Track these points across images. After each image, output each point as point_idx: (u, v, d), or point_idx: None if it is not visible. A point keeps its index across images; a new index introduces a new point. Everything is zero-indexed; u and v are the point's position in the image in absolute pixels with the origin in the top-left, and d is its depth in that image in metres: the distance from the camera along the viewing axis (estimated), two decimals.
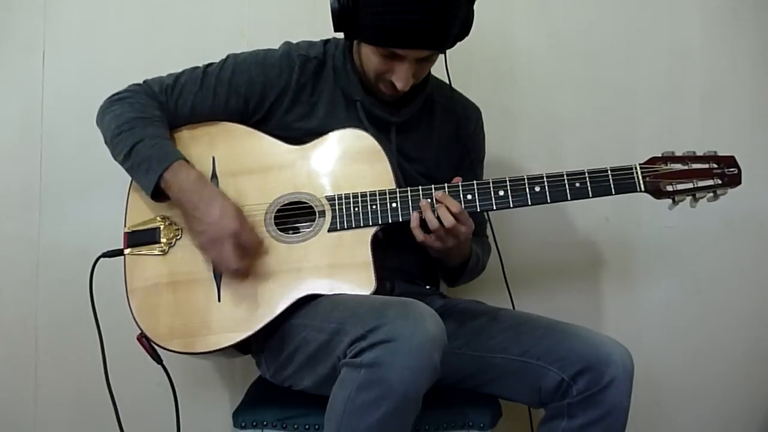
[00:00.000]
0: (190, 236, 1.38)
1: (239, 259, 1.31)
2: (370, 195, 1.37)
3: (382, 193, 1.37)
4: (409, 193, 1.37)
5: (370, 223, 1.36)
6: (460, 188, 1.36)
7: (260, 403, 1.44)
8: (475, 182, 1.36)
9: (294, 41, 1.50)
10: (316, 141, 1.42)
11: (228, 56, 1.47)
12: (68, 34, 1.84)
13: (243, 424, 1.39)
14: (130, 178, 1.41)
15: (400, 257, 1.46)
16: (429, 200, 1.35)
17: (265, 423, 1.38)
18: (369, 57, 1.37)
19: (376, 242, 1.36)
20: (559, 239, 1.89)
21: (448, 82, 1.52)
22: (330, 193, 1.39)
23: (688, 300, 1.93)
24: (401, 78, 1.35)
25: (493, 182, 1.36)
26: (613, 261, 1.92)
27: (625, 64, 1.90)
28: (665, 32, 1.91)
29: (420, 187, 1.37)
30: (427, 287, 1.56)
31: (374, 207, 1.37)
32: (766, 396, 1.94)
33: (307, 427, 1.36)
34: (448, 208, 1.33)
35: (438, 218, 1.32)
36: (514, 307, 1.61)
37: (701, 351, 1.92)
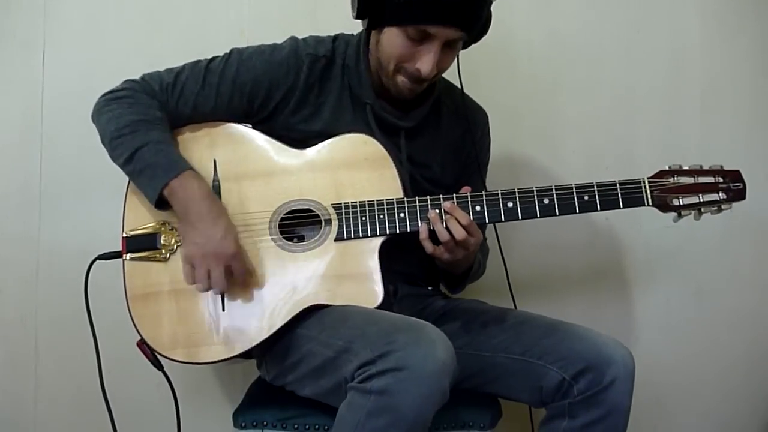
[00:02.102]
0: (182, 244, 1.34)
1: (224, 283, 1.29)
2: (378, 204, 1.35)
3: (390, 202, 1.35)
4: (417, 203, 1.35)
5: (378, 233, 1.34)
6: (469, 199, 1.35)
7: (260, 403, 1.44)
8: (483, 193, 1.35)
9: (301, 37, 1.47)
10: (321, 145, 1.39)
11: (231, 51, 1.43)
12: (68, 34, 1.84)
13: (243, 424, 1.38)
14: (128, 179, 1.40)
15: (402, 260, 1.44)
16: (438, 212, 1.33)
17: (265, 423, 1.38)
18: (393, 42, 1.33)
19: (381, 250, 1.35)
20: (559, 239, 1.89)
21: (459, 85, 1.50)
22: (336, 201, 1.36)
23: (688, 300, 1.93)
24: (428, 61, 1.31)
25: (501, 193, 1.35)
26: (614, 261, 1.92)
27: (625, 64, 1.90)
28: (665, 32, 1.91)
29: (428, 197, 1.35)
30: (429, 288, 1.55)
31: (381, 216, 1.35)
32: (766, 396, 1.94)
33: (307, 427, 1.36)
34: (458, 221, 1.31)
35: (448, 230, 1.31)
36: (516, 307, 1.61)
37: (701, 351, 1.92)
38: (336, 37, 1.46)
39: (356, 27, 1.45)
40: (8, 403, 1.85)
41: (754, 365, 1.93)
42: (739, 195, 1.35)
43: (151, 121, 1.35)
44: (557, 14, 1.89)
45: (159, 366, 1.39)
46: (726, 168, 1.37)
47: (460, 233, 1.31)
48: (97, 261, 1.40)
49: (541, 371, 1.31)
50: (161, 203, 1.33)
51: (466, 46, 1.41)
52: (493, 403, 1.45)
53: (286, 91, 1.41)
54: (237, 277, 1.31)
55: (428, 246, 1.33)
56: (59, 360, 1.84)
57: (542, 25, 1.89)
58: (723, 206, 1.35)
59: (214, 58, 1.42)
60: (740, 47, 1.91)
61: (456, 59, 1.43)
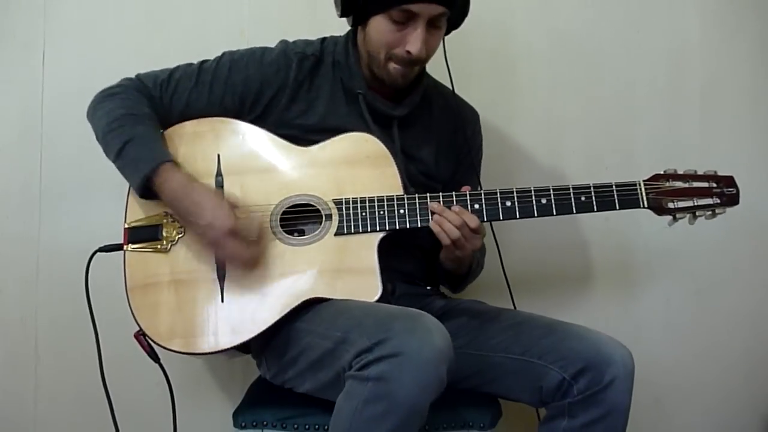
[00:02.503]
0: (193, 238, 1.37)
1: (246, 251, 1.31)
2: (378, 200, 1.37)
3: (390, 198, 1.37)
4: (417, 200, 1.36)
5: (377, 229, 1.36)
6: (468, 198, 1.36)
7: (260, 403, 1.44)
8: (482, 192, 1.37)
9: (291, 40, 1.49)
10: (323, 143, 1.41)
11: (224, 53, 1.47)
12: (68, 34, 1.84)
13: (243, 424, 1.39)
14: None
15: (401, 258, 1.46)
16: (438, 215, 1.34)
17: (265, 423, 1.38)
18: (379, 30, 1.36)
19: (380, 246, 1.36)
20: (559, 239, 1.89)
21: (449, 77, 1.51)
22: (337, 197, 1.38)
23: (687, 300, 1.93)
24: (416, 40, 1.34)
25: (500, 193, 1.37)
26: (613, 261, 1.92)
27: (625, 63, 1.90)
28: (665, 32, 1.91)
29: (428, 195, 1.37)
30: (428, 288, 1.56)
31: (381, 212, 1.36)
32: (766, 396, 1.94)
33: (307, 427, 1.36)
34: (468, 225, 1.33)
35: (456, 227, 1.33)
36: (515, 307, 1.61)
37: (701, 351, 1.92)
38: (324, 39, 1.50)
39: None
40: (8, 403, 1.85)
41: (754, 365, 1.93)
42: (733, 200, 1.38)
43: (138, 115, 1.37)
44: (557, 14, 1.89)
45: (156, 358, 1.39)
46: (720, 173, 1.38)
47: (458, 233, 1.32)
48: (98, 254, 1.41)
49: (540, 371, 1.31)
50: (149, 196, 1.35)
51: (450, 30, 1.43)
52: (493, 403, 1.45)
53: (277, 90, 1.44)
54: (255, 239, 1.32)
55: (445, 239, 1.34)
56: (59, 360, 1.84)
57: (542, 25, 1.89)
58: (717, 210, 1.38)
59: (206, 60, 1.46)
60: (740, 47, 1.91)
61: (444, 56, 1.44)
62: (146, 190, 1.34)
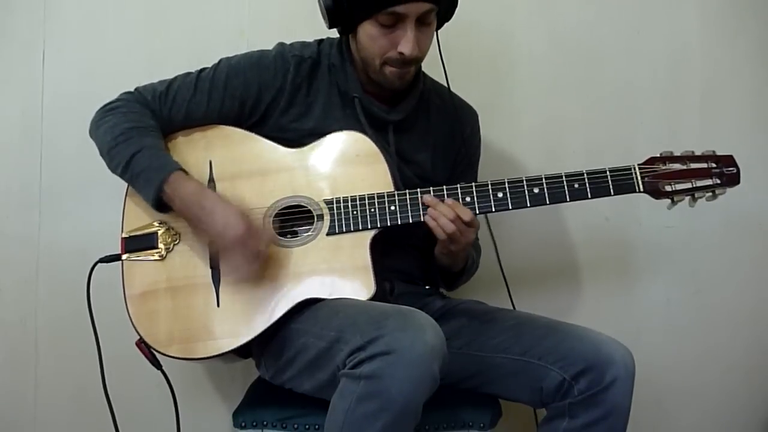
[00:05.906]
0: (192, 242, 1.38)
1: (247, 266, 1.31)
2: (369, 198, 1.37)
3: (381, 196, 1.37)
4: (407, 196, 1.36)
5: (369, 227, 1.36)
6: (459, 190, 1.36)
7: (260, 403, 1.44)
8: (473, 184, 1.37)
9: (290, 42, 1.49)
10: (314, 144, 1.41)
11: (221, 60, 1.46)
12: (68, 34, 1.84)
13: (243, 424, 1.39)
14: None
15: (399, 258, 1.46)
16: (433, 209, 1.34)
17: (265, 423, 1.38)
18: (370, 36, 1.35)
19: (374, 244, 1.36)
20: (558, 239, 1.89)
21: (445, 77, 1.51)
22: (328, 197, 1.38)
23: (687, 300, 1.93)
24: (407, 42, 1.33)
25: (491, 184, 1.36)
26: (613, 261, 1.92)
27: (624, 63, 1.90)
28: (665, 32, 1.91)
29: (419, 190, 1.37)
30: (426, 287, 1.56)
31: (372, 210, 1.36)
32: (766, 396, 1.94)
33: (307, 427, 1.36)
34: (461, 218, 1.32)
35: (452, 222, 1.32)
36: (514, 307, 1.61)
37: (701, 351, 1.92)
38: (321, 41, 1.50)
39: None
40: (8, 403, 1.85)
41: (754, 365, 1.93)
42: (733, 180, 1.34)
43: (144, 127, 1.38)
44: (557, 14, 1.89)
45: (158, 365, 1.40)
46: (719, 153, 1.35)
47: (454, 227, 1.32)
48: (98, 264, 1.42)
49: (541, 372, 1.31)
50: (161, 206, 1.35)
51: (441, 23, 1.43)
52: (493, 403, 1.45)
53: (275, 93, 1.43)
54: (259, 253, 1.32)
55: (440, 233, 1.33)
56: (59, 360, 1.84)
57: (542, 26, 1.89)
58: (717, 191, 1.34)
59: (203, 69, 1.46)
60: (739, 47, 1.91)
61: (439, 52, 1.44)
62: (159, 201, 1.34)
